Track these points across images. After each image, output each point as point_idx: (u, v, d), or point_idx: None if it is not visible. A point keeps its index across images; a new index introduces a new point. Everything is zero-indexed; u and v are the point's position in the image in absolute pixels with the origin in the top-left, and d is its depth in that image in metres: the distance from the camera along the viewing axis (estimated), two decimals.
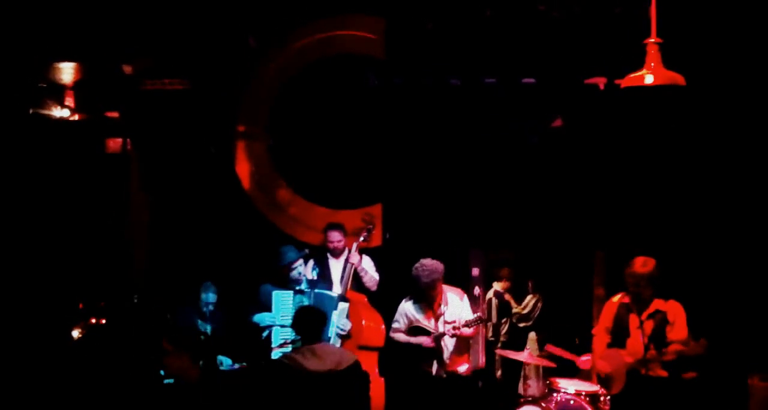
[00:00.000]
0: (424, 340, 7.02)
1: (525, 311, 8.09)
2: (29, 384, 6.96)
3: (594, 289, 8.03)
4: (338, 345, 7.25)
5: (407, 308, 7.22)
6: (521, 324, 8.48)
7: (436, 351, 7.03)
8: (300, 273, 7.41)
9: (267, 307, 7.39)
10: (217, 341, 7.57)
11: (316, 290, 7.38)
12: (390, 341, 7.47)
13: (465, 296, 7.22)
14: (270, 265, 7.63)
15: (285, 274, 7.43)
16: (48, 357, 7.48)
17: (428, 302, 7.09)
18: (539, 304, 8.09)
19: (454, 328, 6.88)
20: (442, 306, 7.07)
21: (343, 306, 7.39)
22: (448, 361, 7.07)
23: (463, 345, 7.18)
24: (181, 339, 7.06)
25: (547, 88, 8.19)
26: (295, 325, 6.24)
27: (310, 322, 6.20)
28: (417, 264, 6.99)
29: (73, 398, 6.69)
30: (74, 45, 8.37)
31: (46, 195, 8.54)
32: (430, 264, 6.95)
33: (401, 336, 7.23)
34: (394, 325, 7.29)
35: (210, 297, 7.61)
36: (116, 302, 8.13)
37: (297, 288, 7.37)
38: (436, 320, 7.04)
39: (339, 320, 7.31)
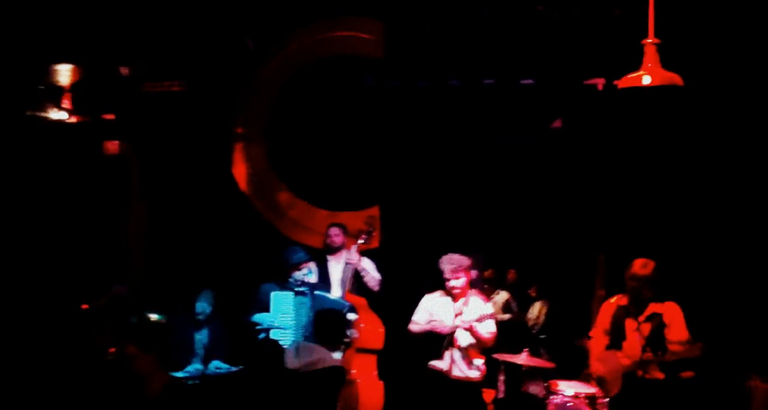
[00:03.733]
0: (442, 327, 6.95)
1: (540, 321, 8.05)
2: (26, 386, 6.95)
3: (595, 291, 8.00)
4: (340, 355, 7.22)
5: (429, 302, 7.18)
6: (542, 336, 8.44)
7: (449, 344, 6.99)
8: (305, 275, 7.38)
9: (266, 307, 7.36)
10: (214, 344, 7.57)
11: (316, 292, 7.35)
12: (391, 343, 7.45)
13: (489, 302, 7.18)
14: (273, 264, 7.62)
15: (290, 274, 7.37)
16: (46, 359, 7.47)
17: (451, 297, 7.06)
18: (544, 310, 8.06)
19: (469, 321, 6.84)
20: (463, 305, 7.02)
21: (352, 317, 7.36)
22: (461, 359, 7.03)
23: (480, 346, 7.14)
24: (147, 340, 7.02)
25: (546, 88, 8.19)
26: (317, 331, 6.22)
27: (329, 326, 6.20)
28: (443, 256, 6.99)
29: (70, 399, 6.68)
30: (72, 47, 8.38)
31: (44, 197, 8.53)
32: (455, 256, 6.96)
33: (416, 327, 7.16)
34: (413, 318, 7.21)
35: (204, 307, 7.54)
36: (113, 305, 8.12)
37: (297, 289, 7.33)
38: (455, 317, 6.97)
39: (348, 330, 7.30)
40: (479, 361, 7.02)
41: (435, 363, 7.02)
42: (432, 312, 7.14)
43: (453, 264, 6.94)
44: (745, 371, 7.18)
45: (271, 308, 7.30)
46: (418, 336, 7.13)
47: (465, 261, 6.99)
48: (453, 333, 6.94)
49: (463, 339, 6.98)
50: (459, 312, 6.98)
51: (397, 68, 8.45)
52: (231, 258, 8.53)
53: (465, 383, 6.95)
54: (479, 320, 6.84)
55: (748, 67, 7.44)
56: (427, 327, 7.07)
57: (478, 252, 8.12)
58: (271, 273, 7.61)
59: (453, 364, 6.96)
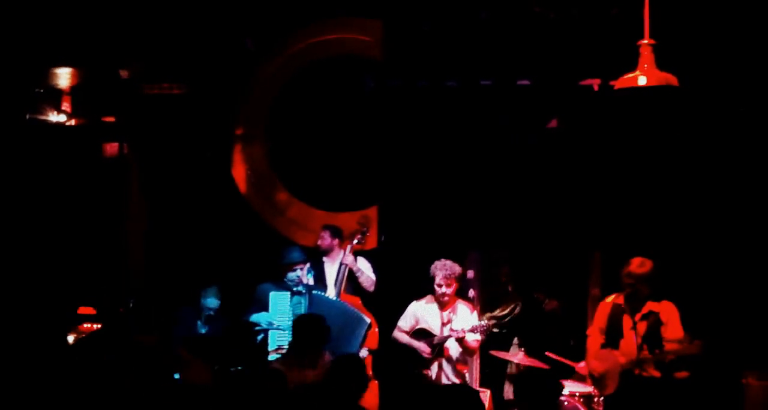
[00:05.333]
0: (424, 349, 7.01)
1: (501, 314, 8.06)
2: (25, 388, 6.98)
3: (590, 290, 8.04)
4: None
5: (417, 308, 7.21)
6: (495, 330, 8.44)
7: (439, 354, 7.00)
8: (298, 277, 7.41)
9: (264, 307, 7.38)
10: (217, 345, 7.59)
11: (314, 292, 7.37)
12: (387, 342, 7.47)
13: (475, 311, 7.19)
14: (270, 264, 7.64)
15: (284, 273, 7.41)
16: (44, 361, 7.50)
17: (439, 305, 7.08)
18: (516, 310, 8.06)
19: (462, 331, 6.86)
20: (451, 313, 7.04)
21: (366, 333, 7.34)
22: (449, 369, 7.05)
23: (465, 357, 7.16)
24: (195, 345, 7.06)
25: (542, 89, 8.20)
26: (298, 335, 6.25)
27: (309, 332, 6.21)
28: (435, 262, 7.01)
29: (69, 402, 6.70)
30: (71, 49, 8.40)
31: (44, 200, 8.56)
32: (449, 263, 6.98)
33: (403, 337, 7.19)
34: (399, 324, 7.25)
35: (210, 302, 7.58)
36: (112, 307, 8.16)
37: (294, 289, 7.36)
38: (443, 325, 7.01)
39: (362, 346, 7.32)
40: (465, 373, 7.06)
41: (423, 369, 7.04)
42: (419, 318, 7.15)
43: (447, 271, 6.93)
44: (739, 369, 7.21)
45: (270, 308, 7.33)
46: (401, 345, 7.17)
47: (457, 268, 7.00)
48: (442, 344, 6.96)
49: (454, 348, 7.00)
50: (448, 321, 6.99)
51: (395, 69, 8.47)
52: (230, 258, 8.56)
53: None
54: (472, 330, 6.86)
55: (743, 67, 7.46)
56: (414, 343, 7.08)
57: (474, 252, 8.18)
58: (269, 273, 7.65)
59: (441, 373, 6.99)
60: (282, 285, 7.41)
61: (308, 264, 7.67)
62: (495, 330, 7.72)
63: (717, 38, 7.43)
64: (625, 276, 6.49)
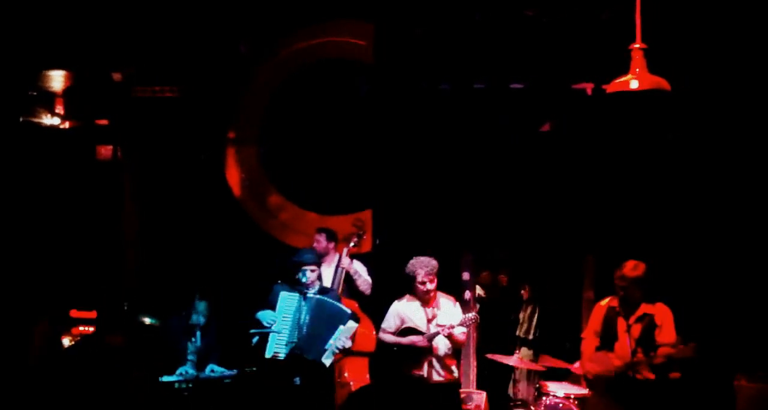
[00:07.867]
0: (418, 339, 6.99)
1: (524, 326, 8.10)
2: (20, 390, 6.98)
3: (584, 293, 8.07)
4: (329, 361, 7.01)
5: (400, 308, 7.15)
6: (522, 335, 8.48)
7: (428, 352, 7.00)
8: (307, 278, 7.29)
9: (274, 307, 7.30)
10: (208, 349, 7.57)
11: (318, 296, 7.06)
12: (380, 345, 7.47)
13: (457, 303, 7.18)
14: (279, 264, 7.56)
15: (292, 271, 7.20)
16: (41, 364, 7.51)
17: (422, 302, 7.05)
18: (535, 315, 8.09)
19: (449, 327, 6.85)
20: (434, 309, 7.00)
21: (352, 324, 7.05)
22: (439, 365, 7.05)
23: (454, 351, 7.16)
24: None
25: (535, 92, 8.24)
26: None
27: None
28: (412, 260, 6.95)
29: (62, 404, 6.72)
30: (64, 53, 8.41)
31: (37, 202, 8.56)
32: (425, 259, 6.93)
33: (390, 338, 7.15)
34: (384, 326, 7.19)
35: (199, 319, 7.46)
36: (107, 310, 8.17)
37: (305, 291, 7.21)
38: (429, 322, 7.00)
39: (343, 336, 7.19)
40: (454, 367, 7.07)
41: (415, 369, 7.04)
42: (404, 318, 7.08)
43: (428, 267, 6.88)
44: (731, 371, 7.25)
45: (277, 307, 7.20)
46: (391, 346, 7.12)
47: (434, 263, 6.95)
48: (432, 340, 6.94)
49: (443, 345, 7.00)
50: (433, 317, 6.98)
51: (388, 72, 8.49)
52: (223, 261, 8.56)
53: (445, 384, 6.99)
54: (462, 324, 6.85)
55: (734, 70, 7.51)
56: (405, 341, 7.02)
57: (469, 254, 8.20)
58: (264, 277, 7.63)
59: (432, 370, 6.98)
60: (294, 287, 7.27)
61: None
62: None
63: (708, 42, 7.48)
64: (619, 279, 6.51)
